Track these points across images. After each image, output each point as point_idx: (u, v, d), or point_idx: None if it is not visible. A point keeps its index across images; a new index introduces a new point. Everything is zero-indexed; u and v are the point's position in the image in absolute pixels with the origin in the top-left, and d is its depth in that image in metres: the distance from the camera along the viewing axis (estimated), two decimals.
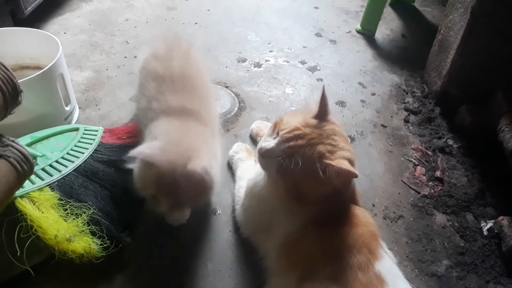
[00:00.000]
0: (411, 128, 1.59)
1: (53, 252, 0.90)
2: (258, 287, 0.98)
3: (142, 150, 0.95)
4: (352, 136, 1.52)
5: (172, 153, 0.94)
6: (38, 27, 1.88)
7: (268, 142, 0.96)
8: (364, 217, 0.98)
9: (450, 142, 1.51)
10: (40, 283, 0.94)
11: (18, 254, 0.86)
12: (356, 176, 0.89)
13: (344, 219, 0.96)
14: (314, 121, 0.95)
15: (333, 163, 0.88)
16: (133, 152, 0.94)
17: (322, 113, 0.96)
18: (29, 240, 0.88)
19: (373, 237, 0.94)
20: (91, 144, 1.18)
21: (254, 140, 1.43)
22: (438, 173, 1.38)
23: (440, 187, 1.34)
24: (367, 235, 0.94)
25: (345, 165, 0.89)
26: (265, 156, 0.96)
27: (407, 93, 1.80)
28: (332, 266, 0.89)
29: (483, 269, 1.12)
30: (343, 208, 0.98)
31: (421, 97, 1.76)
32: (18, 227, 0.88)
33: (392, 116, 1.65)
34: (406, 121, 1.62)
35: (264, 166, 0.99)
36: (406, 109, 1.69)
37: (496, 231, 1.18)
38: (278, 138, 0.95)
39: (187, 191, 0.93)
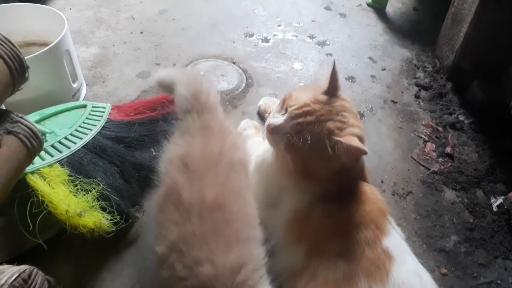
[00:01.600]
0: (421, 103, 1.57)
1: (64, 227, 0.92)
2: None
3: None
4: (362, 112, 1.50)
5: None
6: (43, 3, 1.86)
7: (277, 119, 0.95)
8: (373, 194, 0.98)
9: (461, 117, 1.49)
10: (52, 257, 0.96)
11: (31, 228, 0.87)
12: (365, 153, 0.88)
13: (352, 196, 0.96)
14: (323, 97, 0.93)
15: (342, 140, 0.87)
16: None
17: (332, 89, 0.95)
18: (41, 215, 0.89)
19: (382, 214, 0.94)
20: (99, 120, 1.19)
21: (262, 116, 1.42)
22: (448, 149, 1.36)
23: (450, 163, 1.32)
24: (376, 212, 0.93)
25: (355, 142, 0.88)
26: (273, 133, 0.95)
27: (418, 68, 1.77)
28: (340, 242, 0.90)
29: (491, 244, 1.12)
30: (351, 185, 0.97)
31: (432, 72, 1.73)
32: (29, 202, 0.89)
33: (402, 92, 1.63)
34: (417, 96, 1.60)
35: (272, 142, 0.99)
36: (417, 85, 1.66)
37: (506, 207, 1.17)
38: (286, 115, 0.94)
39: None
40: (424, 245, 1.10)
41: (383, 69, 1.75)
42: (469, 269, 1.06)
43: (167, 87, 1.04)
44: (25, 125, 0.84)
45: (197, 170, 0.81)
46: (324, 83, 0.96)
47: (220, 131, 0.91)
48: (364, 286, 0.83)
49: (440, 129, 1.45)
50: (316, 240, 0.93)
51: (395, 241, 0.91)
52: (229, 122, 0.97)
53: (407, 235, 1.03)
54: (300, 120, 0.90)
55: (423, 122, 1.48)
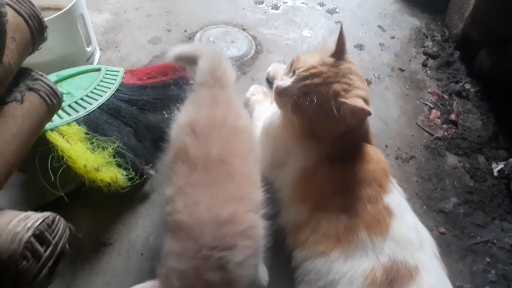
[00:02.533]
0: (429, 72, 1.58)
1: (83, 181, 0.98)
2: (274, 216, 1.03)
3: None
4: (369, 79, 1.52)
5: None
6: None
7: (285, 81, 0.98)
8: (376, 155, 1.02)
9: (468, 86, 1.50)
10: (71, 210, 1.02)
11: (52, 180, 0.93)
12: (369, 114, 0.91)
13: (356, 156, 1.00)
14: (330, 60, 0.96)
15: (347, 101, 0.91)
16: None
17: (339, 52, 0.97)
18: (61, 169, 0.95)
19: (384, 173, 0.98)
20: (113, 84, 1.23)
21: (270, 83, 1.45)
22: (453, 116, 1.38)
23: (454, 130, 1.35)
24: (378, 171, 0.98)
25: (360, 103, 0.91)
26: (281, 95, 0.99)
27: (427, 37, 1.77)
28: (343, 198, 0.94)
29: (490, 207, 1.16)
30: (356, 146, 1.01)
31: (441, 41, 1.73)
32: (50, 157, 0.95)
33: (410, 60, 1.64)
34: (424, 65, 1.61)
35: (280, 104, 1.02)
36: (425, 53, 1.67)
37: (506, 172, 1.21)
38: (294, 77, 0.97)
39: None
40: (424, 206, 1.15)
41: (392, 38, 1.75)
42: (466, 229, 1.11)
43: (187, 59, 1.13)
44: (45, 83, 0.88)
45: (203, 133, 0.88)
46: (332, 47, 0.99)
47: (226, 101, 0.97)
48: (365, 238, 0.88)
49: (446, 97, 1.47)
50: (319, 197, 0.98)
51: (396, 198, 0.95)
52: (236, 95, 1.03)
53: (408, 196, 1.07)
54: (307, 82, 0.94)
55: (429, 90, 1.49)
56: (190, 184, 0.81)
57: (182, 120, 0.95)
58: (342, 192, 0.95)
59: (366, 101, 0.95)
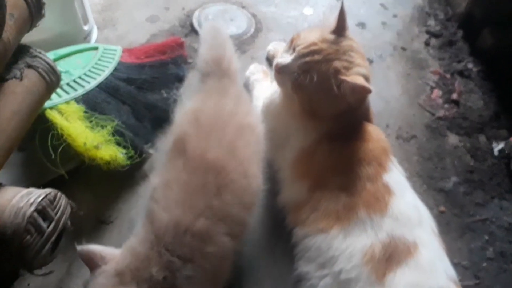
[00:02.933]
0: (431, 51, 1.57)
1: (83, 159, 0.98)
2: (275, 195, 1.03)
3: None
4: (371, 58, 1.50)
5: None
6: None
7: (285, 58, 0.97)
8: (376, 134, 1.02)
9: (470, 65, 1.49)
10: (72, 189, 1.01)
11: (53, 157, 0.93)
12: (370, 91, 0.91)
13: (356, 135, 0.99)
14: (331, 37, 0.95)
15: (348, 79, 0.90)
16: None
17: (339, 28, 0.96)
18: (61, 147, 0.95)
19: (384, 152, 0.98)
20: (111, 62, 1.22)
21: (270, 61, 1.44)
22: (454, 96, 1.38)
23: (455, 110, 1.35)
24: (378, 150, 0.98)
25: (360, 81, 0.90)
26: (281, 72, 0.98)
27: (430, 16, 1.74)
28: (342, 177, 0.95)
29: (490, 186, 1.16)
30: (356, 125, 1.01)
31: (444, 20, 1.70)
32: (50, 135, 0.95)
33: (412, 39, 1.62)
34: (427, 44, 1.59)
35: (280, 82, 1.01)
36: (427, 32, 1.64)
37: (507, 151, 1.21)
38: (294, 54, 0.96)
39: None
40: (424, 185, 1.15)
41: (395, 16, 1.72)
42: (466, 208, 1.11)
43: None
44: (44, 60, 0.87)
45: (206, 125, 0.83)
46: (333, 24, 0.98)
47: (236, 96, 0.92)
48: (364, 216, 0.88)
49: (448, 76, 1.46)
50: (319, 175, 0.98)
51: (396, 177, 0.96)
52: (245, 91, 1.00)
53: (408, 175, 1.07)
54: (307, 59, 0.93)
55: (431, 70, 1.48)
56: (178, 181, 0.77)
57: (188, 106, 0.91)
58: (342, 171, 0.95)
59: (366, 78, 0.94)
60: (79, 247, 0.75)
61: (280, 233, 1.01)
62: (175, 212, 0.73)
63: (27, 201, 0.77)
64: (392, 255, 0.84)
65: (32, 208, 0.76)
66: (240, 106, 0.90)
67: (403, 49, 1.56)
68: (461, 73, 1.47)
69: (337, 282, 0.86)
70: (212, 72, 0.94)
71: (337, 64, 0.92)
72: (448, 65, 1.50)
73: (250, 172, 0.83)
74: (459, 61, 1.51)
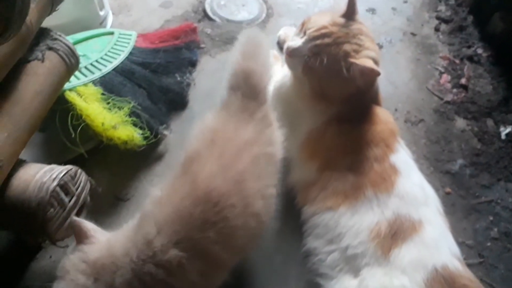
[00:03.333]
0: (441, 37, 1.57)
1: (101, 139, 1.02)
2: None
3: None
4: (381, 44, 1.52)
5: None
6: None
7: (295, 41, 1.00)
8: (384, 116, 1.04)
9: (480, 51, 1.50)
10: (90, 168, 1.05)
11: (72, 136, 0.97)
12: (379, 74, 0.93)
13: (365, 117, 1.02)
14: (341, 20, 0.97)
15: (357, 61, 0.92)
16: None
17: (349, 12, 0.98)
18: (80, 127, 0.99)
19: (391, 134, 1.01)
20: (126, 47, 1.25)
21: (281, 46, 1.45)
22: (463, 81, 1.39)
23: (463, 94, 1.36)
24: (386, 132, 1.00)
25: (369, 63, 0.93)
26: (291, 55, 1.00)
27: (440, 1, 1.74)
28: (350, 158, 0.98)
29: (496, 168, 1.18)
30: (365, 108, 1.03)
31: (454, 5, 1.70)
32: (70, 115, 0.99)
33: (422, 25, 1.62)
34: (437, 29, 1.59)
35: (290, 65, 1.04)
36: (437, 18, 1.65)
37: None
38: (305, 37, 0.98)
39: None
40: (431, 167, 1.17)
41: (405, 2, 1.73)
42: (472, 189, 1.14)
43: None
44: (64, 43, 0.91)
45: (219, 151, 0.74)
46: (343, 8, 1.00)
47: (260, 121, 0.83)
48: (371, 195, 0.92)
49: (457, 61, 1.46)
50: (328, 156, 1.01)
51: (403, 158, 0.98)
52: (272, 114, 0.89)
53: (416, 158, 1.09)
54: (317, 42, 0.95)
55: (440, 55, 1.49)
56: (169, 201, 0.70)
57: (207, 123, 0.81)
58: (350, 152, 0.98)
59: (375, 61, 0.96)
60: (74, 218, 0.76)
61: (289, 212, 1.04)
62: (151, 231, 0.66)
63: (50, 176, 0.82)
64: (397, 232, 0.87)
65: (55, 183, 0.81)
66: (263, 134, 0.81)
67: (413, 34, 1.57)
68: (470, 58, 1.47)
69: (344, 257, 0.90)
70: (239, 88, 0.84)
71: (347, 47, 0.94)
72: (457, 50, 1.51)
73: (252, 209, 0.73)
74: (468, 47, 1.51)
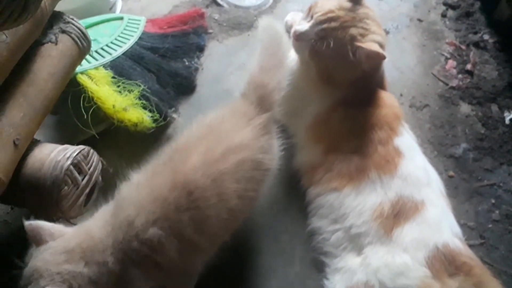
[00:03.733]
0: (447, 23, 1.57)
1: (112, 121, 1.05)
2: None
3: None
4: (387, 29, 1.52)
5: None
6: None
7: (302, 25, 1.01)
8: (389, 100, 1.06)
9: (486, 37, 1.50)
10: (101, 149, 1.08)
11: (85, 117, 1.00)
12: (384, 58, 0.95)
13: (370, 101, 1.04)
14: (348, 4, 0.98)
15: (363, 45, 0.94)
16: None
17: None
18: (92, 109, 1.02)
19: (396, 117, 1.03)
20: (136, 32, 1.27)
21: (288, 32, 1.46)
22: (469, 66, 1.39)
23: (469, 80, 1.37)
24: (390, 115, 1.02)
25: (375, 47, 0.94)
26: (298, 39, 1.02)
27: None
28: (355, 141, 1.00)
29: (499, 153, 1.19)
30: (370, 92, 1.05)
31: None
32: (82, 97, 1.02)
33: (429, 11, 1.62)
34: (444, 15, 1.59)
35: (297, 49, 1.06)
36: (445, 4, 1.64)
37: None
38: (312, 21, 1.00)
39: None
40: (435, 151, 1.19)
41: None
42: (474, 173, 1.15)
43: None
44: (76, 26, 0.94)
45: (209, 148, 0.78)
46: None
47: (258, 127, 0.84)
48: (374, 177, 0.94)
49: (464, 47, 1.47)
50: (333, 140, 1.03)
51: (406, 141, 1.00)
52: (274, 124, 0.91)
53: (420, 142, 1.11)
54: (324, 26, 0.97)
55: (447, 41, 1.49)
56: (148, 184, 0.76)
57: (207, 119, 0.85)
58: (355, 135, 1.00)
59: (381, 46, 0.98)
60: (27, 222, 0.73)
61: (294, 193, 1.07)
62: (132, 213, 0.71)
63: (64, 155, 0.85)
64: (400, 212, 0.90)
65: (69, 162, 0.84)
66: (256, 140, 0.82)
67: (420, 20, 1.57)
68: (476, 44, 1.48)
69: (348, 236, 0.93)
70: (247, 97, 0.88)
71: (353, 31, 0.96)
72: (464, 36, 1.51)
73: (226, 204, 0.76)
74: (475, 33, 1.51)
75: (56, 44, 0.88)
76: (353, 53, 0.95)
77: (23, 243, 0.99)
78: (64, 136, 1.12)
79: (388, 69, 1.32)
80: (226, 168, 0.76)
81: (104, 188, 0.98)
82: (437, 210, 0.91)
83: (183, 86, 1.27)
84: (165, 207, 0.71)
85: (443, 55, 1.45)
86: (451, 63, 1.42)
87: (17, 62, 0.81)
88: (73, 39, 0.92)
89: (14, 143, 0.78)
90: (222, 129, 0.82)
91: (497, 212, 1.09)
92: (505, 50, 1.46)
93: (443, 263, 0.84)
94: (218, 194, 0.74)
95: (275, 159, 0.89)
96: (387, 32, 1.50)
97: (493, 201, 1.11)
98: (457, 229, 0.92)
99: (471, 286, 0.82)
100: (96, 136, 1.05)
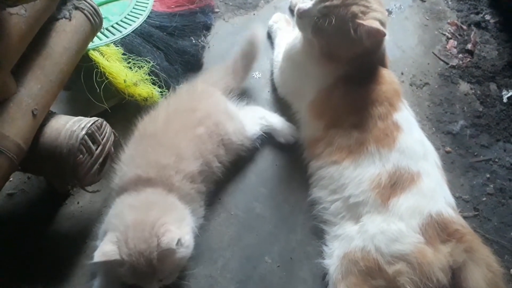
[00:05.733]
0: (449, 3, 1.59)
1: (123, 96, 1.09)
2: None
3: (105, 251, 0.81)
4: (390, 9, 1.55)
5: (137, 239, 0.81)
6: None
7: (306, 3, 1.05)
8: (390, 77, 1.09)
9: (488, 17, 1.52)
10: (113, 122, 1.11)
11: (97, 91, 1.05)
12: (384, 35, 0.98)
13: (371, 78, 1.07)
14: None
15: (364, 22, 0.97)
16: (96, 257, 0.81)
17: None
18: (103, 84, 1.06)
19: (396, 94, 1.06)
20: (144, 11, 1.31)
21: (293, 11, 1.49)
22: (469, 46, 1.42)
23: (469, 59, 1.40)
24: (390, 92, 1.06)
25: (376, 24, 0.97)
26: (302, 16, 1.05)
27: None
28: (356, 116, 1.04)
29: (496, 130, 1.23)
30: (371, 69, 1.08)
31: None
32: (94, 72, 1.06)
33: None
34: None
35: (300, 26, 1.09)
36: None
37: None
38: None
39: (167, 269, 0.85)
40: (433, 128, 1.23)
41: None
42: (471, 149, 1.20)
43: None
44: (89, 3, 0.98)
45: (175, 114, 1.04)
46: None
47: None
48: (373, 150, 0.98)
49: (465, 27, 1.49)
50: (335, 115, 1.07)
51: (405, 116, 1.04)
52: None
53: (418, 119, 1.15)
54: (327, 3, 1.00)
55: (448, 21, 1.52)
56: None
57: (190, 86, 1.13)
58: (355, 111, 1.04)
59: (382, 23, 1.01)
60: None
61: (296, 166, 1.12)
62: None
63: (79, 125, 0.90)
64: (396, 183, 0.95)
65: (84, 132, 0.89)
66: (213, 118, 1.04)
67: (422, 0, 1.59)
68: (478, 25, 1.50)
69: (346, 205, 0.98)
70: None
71: (354, 8, 0.98)
72: (465, 16, 1.54)
73: (175, 149, 0.97)
74: (477, 13, 1.54)
75: (70, 20, 0.92)
76: (354, 30, 0.98)
77: (41, 211, 1.06)
78: (77, 111, 1.16)
79: (390, 48, 1.35)
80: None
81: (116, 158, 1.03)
82: (432, 181, 0.95)
83: (191, 64, 1.31)
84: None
85: (444, 35, 1.48)
86: (452, 42, 1.45)
87: (34, 37, 0.85)
88: (85, 15, 0.96)
89: (32, 113, 0.83)
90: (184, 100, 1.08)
91: (491, 186, 1.13)
92: (505, 30, 1.48)
93: (436, 230, 0.89)
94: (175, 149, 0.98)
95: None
96: (389, 12, 1.53)
97: (488, 175, 1.15)
98: (451, 199, 0.97)
99: (462, 251, 0.87)
100: (108, 110, 1.09)
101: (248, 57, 1.22)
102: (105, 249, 0.81)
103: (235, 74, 1.21)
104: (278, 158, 1.17)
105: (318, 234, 1.02)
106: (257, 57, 1.24)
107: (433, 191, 0.94)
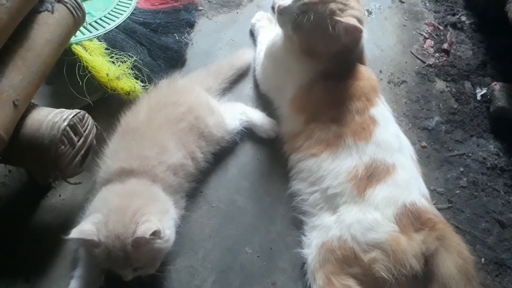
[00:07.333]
0: (427, 4, 1.64)
1: (106, 90, 1.10)
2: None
3: (83, 229, 0.83)
4: (370, 10, 1.59)
5: (117, 223, 0.83)
6: None
7: (286, 1, 1.08)
8: (367, 73, 1.13)
9: (463, 18, 1.57)
10: (96, 116, 1.11)
11: (80, 84, 1.06)
12: (361, 31, 1.01)
13: (349, 74, 1.11)
14: None
15: (342, 19, 1.00)
16: (74, 233, 0.81)
17: None
18: (86, 77, 1.07)
19: (373, 89, 1.10)
20: (128, 7, 1.32)
21: (274, 8, 1.52)
22: (445, 46, 1.47)
23: (445, 58, 1.44)
24: (368, 87, 1.09)
25: (353, 21, 1.00)
26: (282, 13, 1.08)
27: None
28: (334, 111, 1.07)
29: (470, 126, 1.28)
30: (349, 65, 1.12)
31: None
32: (77, 66, 1.07)
33: None
34: None
35: (281, 23, 1.12)
36: None
37: (488, 96, 1.31)
38: None
39: (141, 258, 0.85)
40: (410, 124, 1.27)
41: None
42: (446, 144, 1.24)
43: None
44: None
45: (158, 106, 1.06)
46: None
47: (206, 108, 1.12)
48: (350, 142, 1.02)
49: (442, 28, 1.54)
50: (314, 110, 1.10)
51: (382, 111, 1.08)
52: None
53: (396, 115, 1.18)
54: (306, 0, 1.02)
55: (426, 21, 1.57)
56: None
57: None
58: (334, 105, 1.08)
59: (360, 21, 1.04)
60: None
61: (277, 160, 1.15)
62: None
63: (61, 117, 0.91)
64: (372, 174, 0.98)
65: (65, 123, 0.90)
66: (196, 111, 1.08)
67: (401, 1, 1.64)
68: (454, 25, 1.55)
69: (324, 197, 1.01)
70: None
71: (332, 6, 1.02)
72: (442, 17, 1.59)
73: (158, 141, 1.00)
74: (453, 14, 1.59)
75: (52, 12, 0.93)
76: (332, 26, 1.01)
77: (21, 204, 1.06)
78: (60, 105, 1.14)
79: (369, 47, 1.40)
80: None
81: (98, 151, 1.04)
82: (407, 173, 0.99)
83: (174, 60, 1.33)
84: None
85: (421, 34, 1.53)
86: (429, 42, 1.50)
87: (16, 28, 0.85)
88: (68, 9, 0.97)
89: (13, 103, 0.83)
90: (168, 95, 1.11)
91: (464, 179, 1.17)
92: (480, 31, 1.54)
93: (410, 219, 0.92)
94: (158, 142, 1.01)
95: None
96: (369, 13, 1.57)
97: (461, 169, 1.19)
98: (425, 190, 1.00)
99: (434, 239, 0.90)
100: (91, 104, 1.10)
101: (235, 71, 1.31)
102: (84, 227, 0.83)
103: (217, 78, 1.26)
104: (260, 152, 1.19)
105: (297, 224, 1.05)
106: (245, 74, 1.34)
107: (407, 182, 0.98)
